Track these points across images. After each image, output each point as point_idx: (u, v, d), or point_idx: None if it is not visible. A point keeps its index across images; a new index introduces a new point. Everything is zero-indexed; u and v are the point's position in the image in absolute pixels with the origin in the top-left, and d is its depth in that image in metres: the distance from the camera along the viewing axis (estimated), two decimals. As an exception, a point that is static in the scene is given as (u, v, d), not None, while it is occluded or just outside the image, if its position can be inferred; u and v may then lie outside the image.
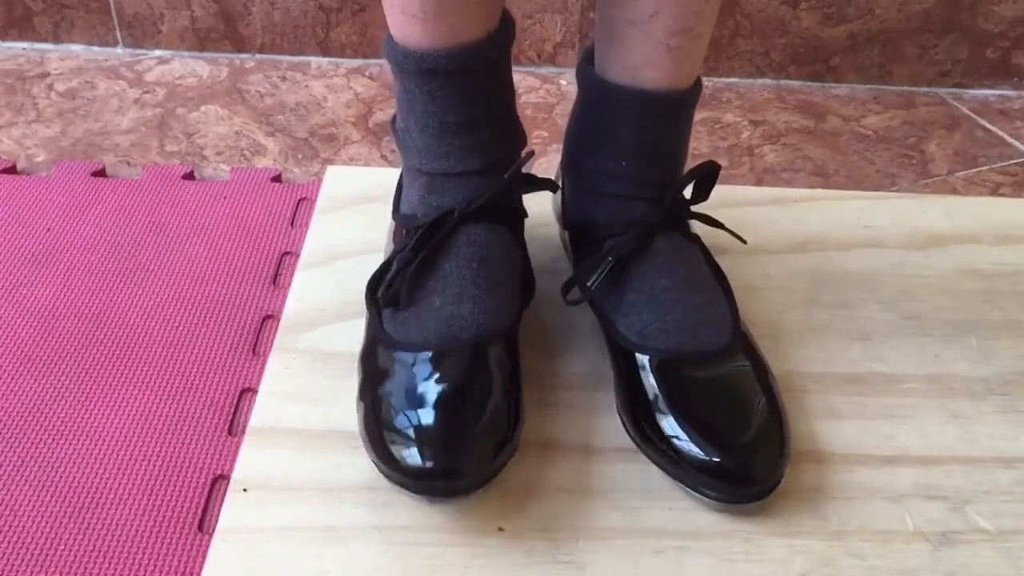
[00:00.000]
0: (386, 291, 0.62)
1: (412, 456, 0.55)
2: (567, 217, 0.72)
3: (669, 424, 0.60)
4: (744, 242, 0.71)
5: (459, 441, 0.56)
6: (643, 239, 0.65)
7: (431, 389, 0.58)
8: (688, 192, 0.68)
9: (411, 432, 0.56)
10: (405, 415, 0.57)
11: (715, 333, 0.63)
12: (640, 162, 0.65)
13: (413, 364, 0.60)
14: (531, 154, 0.64)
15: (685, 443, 0.59)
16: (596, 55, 0.66)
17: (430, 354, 0.60)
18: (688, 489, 0.60)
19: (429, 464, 0.55)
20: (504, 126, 0.64)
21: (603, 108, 0.66)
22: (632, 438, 0.63)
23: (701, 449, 0.59)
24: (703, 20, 0.61)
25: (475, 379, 0.59)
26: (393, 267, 0.63)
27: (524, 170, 0.66)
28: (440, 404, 0.57)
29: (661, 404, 0.61)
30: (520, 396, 0.61)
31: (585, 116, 0.68)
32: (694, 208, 0.68)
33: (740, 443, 0.59)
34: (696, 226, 0.70)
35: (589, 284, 0.65)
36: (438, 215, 0.62)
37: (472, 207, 0.62)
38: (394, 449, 0.56)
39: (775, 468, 0.59)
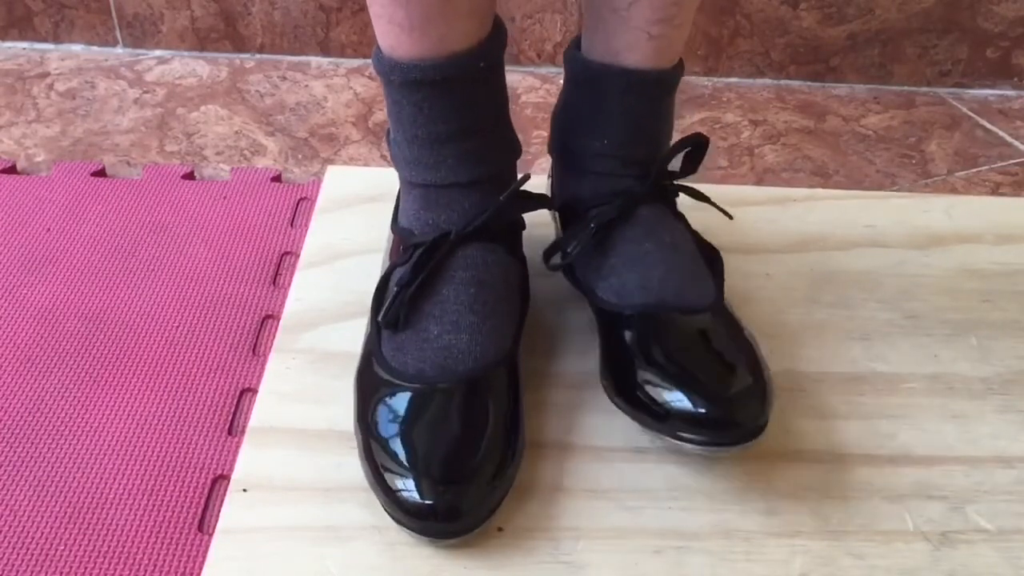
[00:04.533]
0: (386, 314, 0.62)
1: (411, 496, 0.56)
2: (556, 199, 0.72)
3: (651, 378, 0.60)
4: (730, 217, 0.70)
5: (457, 484, 0.56)
6: (626, 208, 0.65)
7: (428, 428, 0.58)
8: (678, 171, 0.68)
9: (409, 475, 0.56)
10: (403, 457, 0.57)
11: (696, 292, 0.63)
12: (625, 140, 0.65)
13: (409, 399, 0.59)
14: (526, 177, 0.64)
15: (668, 395, 0.59)
16: (582, 40, 0.67)
17: (428, 387, 0.59)
18: (670, 439, 0.59)
19: (429, 509, 0.55)
20: (496, 136, 0.64)
21: (587, 87, 0.66)
22: (613, 400, 0.63)
23: (686, 398, 0.58)
24: (683, 10, 0.62)
25: (472, 417, 0.59)
26: (391, 288, 0.63)
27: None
28: (435, 445, 0.57)
29: (641, 359, 0.61)
30: (519, 423, 0.61)
31: (571, 97, 0.68)
32: (681, 181, 0.68)
33: (723, 391, 0.58)
34: (691, 222, 0.70)
35: (569, 250, 0.65)
36: (435, 236, 0.62)
37: (468, 229, 0.62)
38: (395, 493, 0.56)
39: (759, 412, 0.58)
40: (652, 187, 0.66)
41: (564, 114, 0.69)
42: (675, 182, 0.68)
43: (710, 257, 0.67)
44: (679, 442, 0.59)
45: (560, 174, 0.71)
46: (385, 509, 0.58)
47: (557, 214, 0.73)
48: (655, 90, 0.65)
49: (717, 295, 0.64)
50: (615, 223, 0.65)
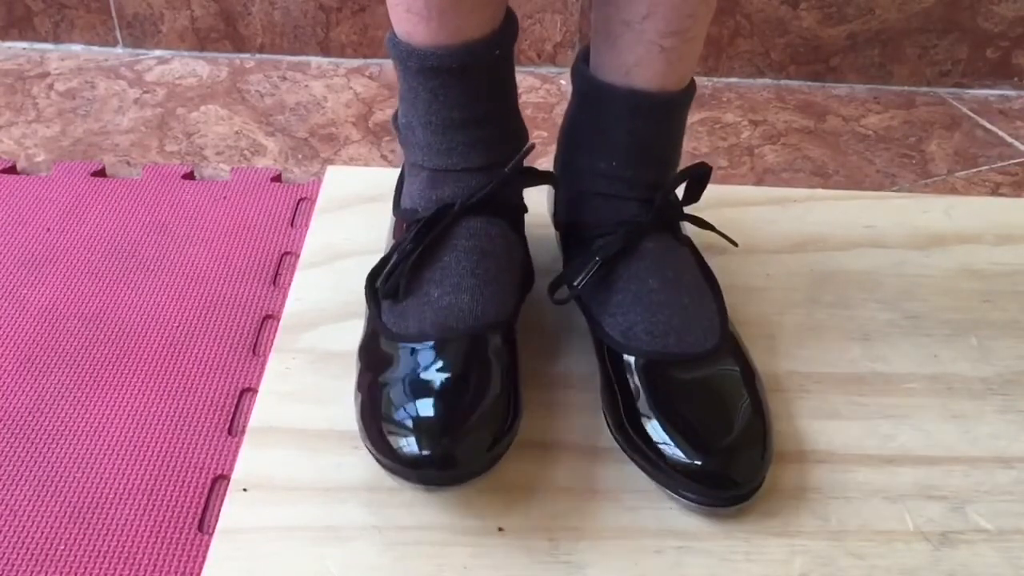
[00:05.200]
0: (384, 283, 0.62)
1: (408, 445, 0.55)
2: (559, 217, 0.72)
3: (652, 427, 0.60)
4: (735, 244, 0.71)
5: (456, 430, 0.56)
6: (631, 239, 0.65)
7: (428, 379, 0.58)
8: (680, 194, 0.68)
9: (408, 421, 0.56)
10: (402, 405, 0.57)
11: (701, 335, 0.63)
12: (631, 162, 0.65)
13: (411, 354, 0.60)
14: (532, 147, 0.64)
15: (667, 446, 0.59)
16: (591, 54, 0.66)
17: (428, 344, 0.60)
18: (669, 492, 0.60)
19: (425, 452, 0.55)
20: (507, 123, 0.65)
21: (596, 108, 0.66)
22: (616, 439, 0.63)
23: (683, 452, 0.58)
24: (697, 23, 0.61)
25: (472, 369, 0.59)
26: (392, 259, 0.63)
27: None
28: (437, 394, 0.57)
29: (644, 406, 0.61)
30: (518, 387, 0.61)
31: (578, 116, 0.68)
32: (685, 210, 0.68)
33: (721, 446, 0.59)
34: (691, 227, 0.70)
35: (576, 284, 0.65)
36: (438, 208, 0.62)
37: (472, 200, 0.62)
38: (391, 438, 0.56)
39: (756, 471, 0.59)
40: (656, 217, 0.65)
41: (570, 131, 0.69)
42: (679, 210, 0.68)
43: (713, 283, 0.67)
44: (678, 497, 0.60)
45: (565, 192, 0.71)
46: (378, 460, 0.57)
47: (558, 232, 0.73)
48: (664, 112, 0.65)
49: (722, 333, 0.64)
50: (620, 256, 0.65)
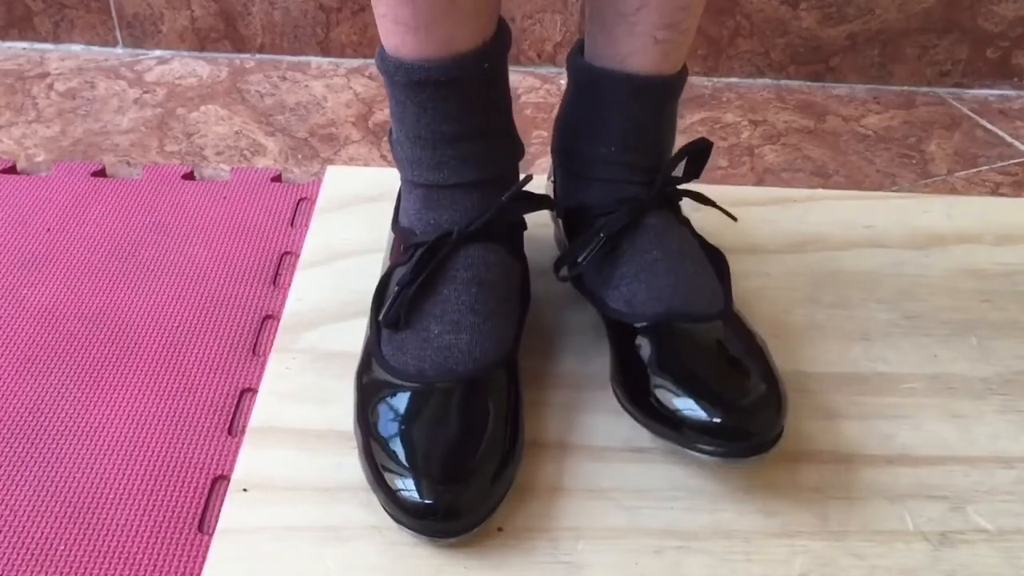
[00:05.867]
0: (387, 313, 0.62)
1: (411, 498, 0.56)
2: (560, 203, 0.72)
3: (665, 387, 0.60)
4: (734, 219, 0.70)
5: (456, 483, 0.56)
6: (634, 215, 0.65)
7: (426, 429, 0.58)
8: (681, 171, 0.69)
9: (408, 474, 0.56)
10: (401, 458, 0.57)
11: (705, 300, 0.63)
12: (629, 147, 0.65)
13: (409, 399, 0.59)
14: (529, 178, 0.64)
15: (682, 404, 0.59)
16: (586, 44, 0.67)
17: (426, 388, 0.59)
18: (686, 449, 0.59)
19: (429, 508, 0.55)
20: (499, 137, 0.64)
21: (592, 94, 0.66)
22: (626, 408, 0.63)
23: (700, 408, 0.58)
24: (690, 14, 0.62)
25: (470, 418, 0.59)
26: (392, 287, 0.63)
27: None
28: (435, 445, 0.57)
29: (655, 368, 0.61)
30: (519, 426, 0.61)
31: (575, 103, 0.68)
32: (685, 186, 0.68)
33: (737, 400, 0.58)
34: (692, 222, 0.70)
35: (580, 259, 0.65)
36: (437, 236, 0.62)
37: (470, 229, 0.62)
38: (394, 491, 0.56)
39: (774, 421, 0.59)
40: (658, 194, 0.66)
41: (568, 119, 0.69)
42: (680, 187, 0.68)
43: (716, 260, 0.68)
44: (695, 452, 0.59)
45: (564, 179, 0.71)
46: (385, 509, 0.58)
47: (560, 219, 0.73)
48: (660, 96, 0.65)
49: (726, 301, 0.65)
50: (623, 232, 0.65)
